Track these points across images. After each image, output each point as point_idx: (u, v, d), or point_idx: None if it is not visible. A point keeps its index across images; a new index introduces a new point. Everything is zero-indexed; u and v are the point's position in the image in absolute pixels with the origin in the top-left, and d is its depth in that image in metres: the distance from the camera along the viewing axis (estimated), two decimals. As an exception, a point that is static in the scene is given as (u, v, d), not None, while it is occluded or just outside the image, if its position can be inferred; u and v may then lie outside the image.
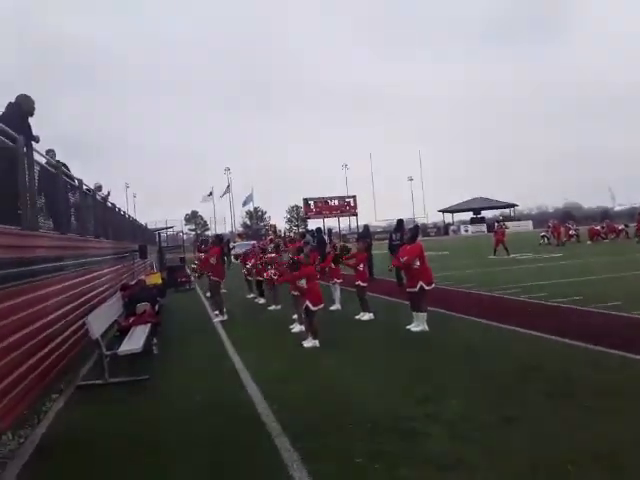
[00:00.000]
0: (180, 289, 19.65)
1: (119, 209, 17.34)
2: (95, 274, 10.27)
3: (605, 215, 47.70)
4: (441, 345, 7.48)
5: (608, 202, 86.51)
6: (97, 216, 12.27)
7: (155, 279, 13.78)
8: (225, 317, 11.36)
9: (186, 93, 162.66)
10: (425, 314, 8.56)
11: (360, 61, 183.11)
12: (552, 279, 14.05)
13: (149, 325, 8.23)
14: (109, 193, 14.96)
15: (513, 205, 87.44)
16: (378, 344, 7.87)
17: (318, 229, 18.28)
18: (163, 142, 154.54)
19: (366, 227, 19.52)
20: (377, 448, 4.08)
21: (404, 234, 17.12)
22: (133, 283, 10.92)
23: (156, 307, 9.60)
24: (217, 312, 11.64)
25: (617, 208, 68.98)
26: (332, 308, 11.17)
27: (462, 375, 5.87)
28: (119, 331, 8.26)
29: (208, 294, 13.20)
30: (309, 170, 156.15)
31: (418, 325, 8.51)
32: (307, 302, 8.07)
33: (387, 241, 16.58)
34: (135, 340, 6.97)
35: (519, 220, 79.42)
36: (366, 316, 10.11)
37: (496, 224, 31.36)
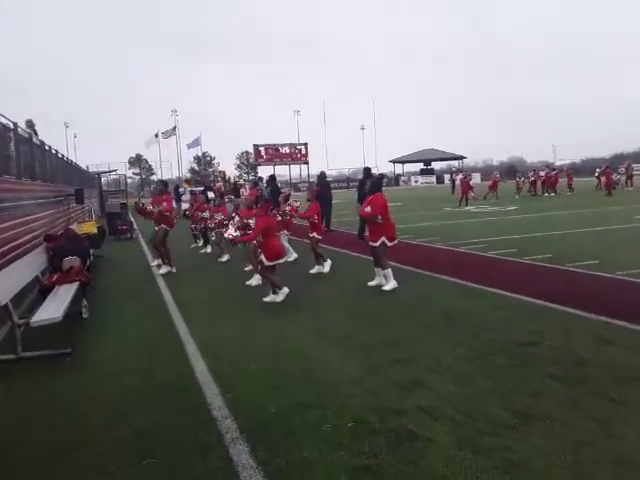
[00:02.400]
0: (121, 238, 18.07)
1: (50, 147, 15.48)
2: (15, 221, 8.79)
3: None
4: (416, 310, 6.57)
5: (550, 157, 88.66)
6: (19, 154, 10.61)
7: (89, 228, 12.28)
8: (172, 269, 10.22)
9: (133, 30, 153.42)
10: (389, 270, 7.74)
11: (317, 11, 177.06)
12: (517, 233, 13.44)
13: (77, 284, 6.95)
14: (34, 130, 13.16)
15: (462, 157, 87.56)
16: (343, 307, 6.89)
17: (272, 176, 16.99)
18: (108, 80, 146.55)
19: (322, 174, 18.05)
20: (365, 463, 3.12)
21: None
22: (60, 233, 9.46)
23: (87, 262, 8.27)
24: (160, 263, 10.47)
25: (558, 163, 70.21)
26: (290, 259, 10.16)
27: (450, 351, 4.97)
28: (39, 291, 6.95)
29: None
30: (260, 117, 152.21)
31: (387, 284, 7.67)
32: (261, 256, 7.12)
33: (355, 190, 15.70)
34: (55, 305, 5.71)
35: (464, 172, 79.51)
36: (327, 267, 9.24)
37: (460, 174, 31.17)
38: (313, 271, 9.43)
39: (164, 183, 12.12)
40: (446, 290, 7.58)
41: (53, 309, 5.53)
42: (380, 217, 7.63)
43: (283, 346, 5.41)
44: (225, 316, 6.76)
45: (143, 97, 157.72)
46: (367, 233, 8.40)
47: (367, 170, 16.25)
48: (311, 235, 9.37)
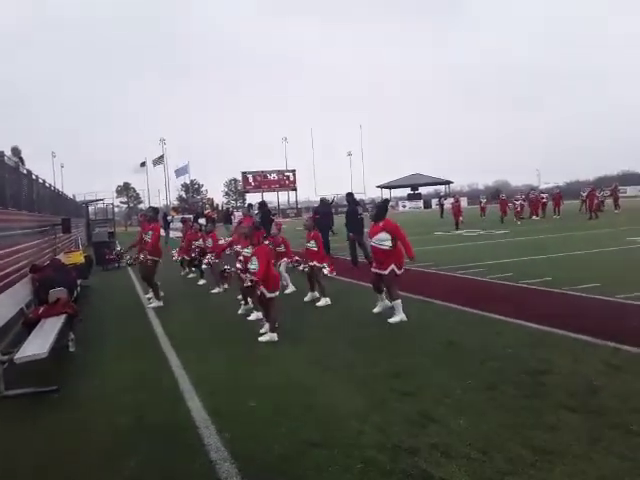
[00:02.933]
0: (108, 267, 17.71)
1: (36, 176, 15.21)
2: (2, 252, 8.50)
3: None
4: (418, 338, 6.36)
5: (534, 180, 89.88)
6: (5, 183, 10.36)
7: (76, 258, 11.97)
8: (161, 303, 9.81)
9: (120, 59, 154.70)
10: (399, 301, 7.37)
11: (303, 36, 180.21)
12: (511, 257, 13.33)
13: (63, 317, 6.67)
14: (20, 157, 12.87)
15: (448, 182, 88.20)
16: (343, 336, 6.66)
17: (262, 203, 16.81)
18: (95, 110, 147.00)
19: (323, 201, 17.56)
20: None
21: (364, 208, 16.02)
22: (46, 264, 9.17)
23: (74, 293, 7.99)
24: (151, 297, 10.08)
25: (542, 186, 70.99)
26: (287, 291, 9.85)
27: (458, 381, 4.75)
28: (24, 324, 6.65)
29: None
30: (248, 144, 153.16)
31: (394, 315, 7.33)
32: (262, 289, 6.76)
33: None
34: (41, 340, 5.42)
35: (453, 196, 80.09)
36: (322, 301, 8.90)
37: (449, 198, 31.24)
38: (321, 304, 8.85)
39: (154, 210, 11.28)
40: (446, 316, 7.38)
41: (38, 344, 5.25)
42: (391, 243, 7.34)
43: (283, 379, 5.15)
44: (219, 348, 6.49)
45: (131, 127, 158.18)
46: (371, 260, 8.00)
47: (350, 195, 16.04)
48: (311, 264, 8.88)
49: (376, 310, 7.79)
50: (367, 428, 3.90)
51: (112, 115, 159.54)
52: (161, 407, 4.67)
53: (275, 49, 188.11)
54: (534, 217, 30.16)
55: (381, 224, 7.52)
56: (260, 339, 6.68)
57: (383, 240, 7.39)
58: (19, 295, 7.06)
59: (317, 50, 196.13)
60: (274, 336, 6.66)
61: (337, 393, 4.69)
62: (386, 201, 8.59)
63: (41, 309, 6.83)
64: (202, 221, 15.79)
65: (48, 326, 6.16)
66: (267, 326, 6.87)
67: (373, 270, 7.67)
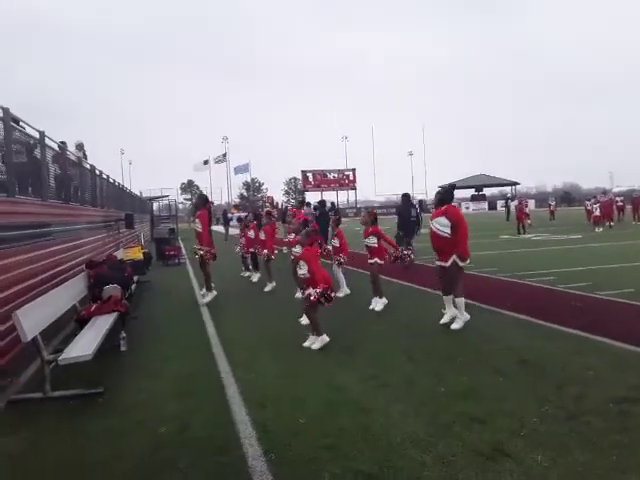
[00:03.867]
0: (168, 263, 17.87)
1: (100, 172, 15.49)
2: (63, 246, 8.54)
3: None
4: (484, 352, 5.78)
5: (607, 183, 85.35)
6: (67, 178, 10.49)
7: (134, 253, 12.01)
8: (214, 293, 9.61)
9: (187, 61, 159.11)
10: (462, 300, 6.86)
11: (361, 36, 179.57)
12: (586, 264, 12.38)
13: (115, 314, 6.53)
14: (84, 152, 13.09)
15: (515, 183, 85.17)
16: (400, 347, 6.16)
17: (321, 202, 16.45)
18: (163, 111, 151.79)
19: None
20: None
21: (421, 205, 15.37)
22: (102, 259, 9.16)
23: (128, 290, 7.89)
24: (203, 292, 9.91)
25: (615, 189, 67.36)
26: (340, 294, 9.42)
27: (534, 408, 4.20)
28: (76, 321, 6.56)
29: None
30: (309, 143, 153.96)
31: (456, 319, 6.88)
32: (309, 290, 6.34)
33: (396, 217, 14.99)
34: (89, 340, 5.26)
35: (517, 199, 77.04)
36: (379, 304, 8.44)
37: (515, 201, 29.82)
38: (378, 308, 8.36)
39: (200, 197, 10.33)
40: (515, 329, 6.75)
41: (85, 345, 5.08)
42: (450, 231, 6.79)
43: (335, 395, 4.74)
44: (271, 356, 6.14)
45: (196, 125, 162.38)
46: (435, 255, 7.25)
47: (405, 196, 15.44)
48: (371, 262, 8.36)
49: (444, 321, 7.07)
50: (430, 460, 3.44)
51: (178, 114, 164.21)
52: (206, 418, 4.37)
53: (338, 49, 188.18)
54: (608, 223, 28.21)
55: (443, 208, 6.98)
56: (313, 347, 6.30)
57: (442, 225, 6.86)
58: (73, 291, 6.99)
59: (380, 48, 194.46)
60: (325, 338, 6.33)
61: (395, 414, 4.23)
62: (452, 186, 7.87)
63: (93, 306, 6.72)
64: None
65: (99, 325, 6.02)
66: (312, 336, 6.47)
67: (437, 264, 7.10)
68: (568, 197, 74.93)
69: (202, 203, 9.64)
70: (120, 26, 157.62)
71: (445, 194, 7.23)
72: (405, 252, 8.49)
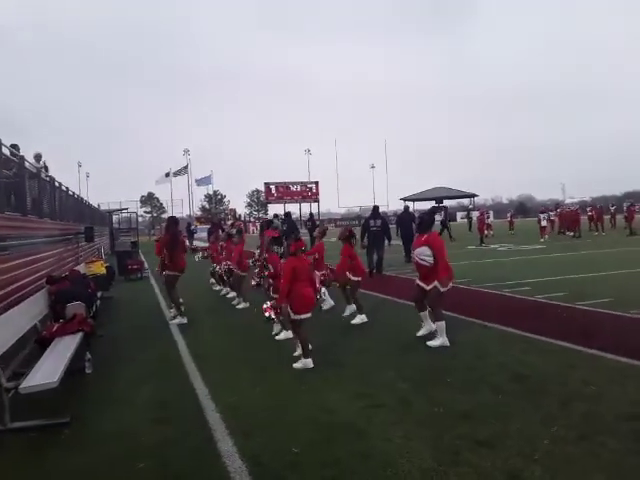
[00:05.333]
0: (131, 277, 17.15)
1: (60, 184, 14.77)
2: (21, 261, 7.92)
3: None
4: (477, 368, 5.53)
5: (559, 195, 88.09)
6: (25, 189, 9.85)
7: (97, 268, 11.39)
8: (184, 320, 9.04)
9: (144, 71, 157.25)
10: (443, 323, 6.63)
11: (329, 52, 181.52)
12: (559, 274, 12.40)
13: (79, 335, 6.02)
14: (44, 164, 12.43)
15: (473, 195, 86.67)
16: (390, 363, 5.86)
17: (287, 213, 16.15)
18: (120, 122, 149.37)
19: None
20: None
21: (387, 221, 15.56)
22: (64, 275, 8.56)
23: (93, 307, 7.36)
24: (173, 312, 9.39)
25: (568, 201, 69.42)
26: (324, 307, 8.98)
27: (542, 428, 3.95)
28: (37, 342, 6.01)
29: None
30: (271, 155, 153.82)
31: (435, 338, 6.62)
32: (287, 309, 5.95)
33: (360, 228, 15.06)
34: (52, 365, 4.76)
35: (477, 210, 78.55)
36: (357, 318, 8.17)
37: (477, 212, 30.14)
38: (346, 314, 8.44)
39: (172, 219, 10.17)
40: (503, 342, 6.54)
41: (49, 370, 4.58)
42: (433, 260, 6.65)
43: (327, 417, 4.39)
44: (251, 375, 5.74)
45: (156, 138, 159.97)
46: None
47: (376, 208, 15.53)
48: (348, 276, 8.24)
49: (420, 333, 7.03)
50: (442, 492, 3.13)
51: (137, 127, 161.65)
52: (188, 450, 3.94)
53: (295, 64, 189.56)
54: (568, 233, 28.67)
55: (425, 237, 6.83)
56: (294, 365, 5.93)
57: (426, 255, 6.69)
58: (32, 310, 6.43)
59: (338, 64, 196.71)
60: (308, 362, 5.91)
61: (396, 438, 3.92)
62: (433, 210, 7.88)
63: (55, 326, 6.18)
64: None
65: (62, 346, 5.51)
66: (299, 351, 6.12)
67: (417, 283, 6.99)
68: (523, 208, 76.77)
69: (172, 226, 9.53)
70: (77, 35, 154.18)
71: (425, 220, 7.15)
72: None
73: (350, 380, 5.37)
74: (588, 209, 29.80)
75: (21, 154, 9.59)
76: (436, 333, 6.67)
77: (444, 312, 6.79)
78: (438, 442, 3.81)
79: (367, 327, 7.83)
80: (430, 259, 6.64)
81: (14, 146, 8.28)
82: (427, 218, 7.26)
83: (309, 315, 6.06)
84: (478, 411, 4.35)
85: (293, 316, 5.99)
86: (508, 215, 35.90)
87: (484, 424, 4.08)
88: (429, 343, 6.57)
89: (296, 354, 6.16)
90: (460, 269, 13.93)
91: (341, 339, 7.17)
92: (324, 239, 9.21)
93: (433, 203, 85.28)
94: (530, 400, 4.56)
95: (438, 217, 29.53)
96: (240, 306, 10.25)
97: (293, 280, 5.91)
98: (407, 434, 3.98)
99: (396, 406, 4.57)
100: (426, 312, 7.00)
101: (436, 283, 6.64)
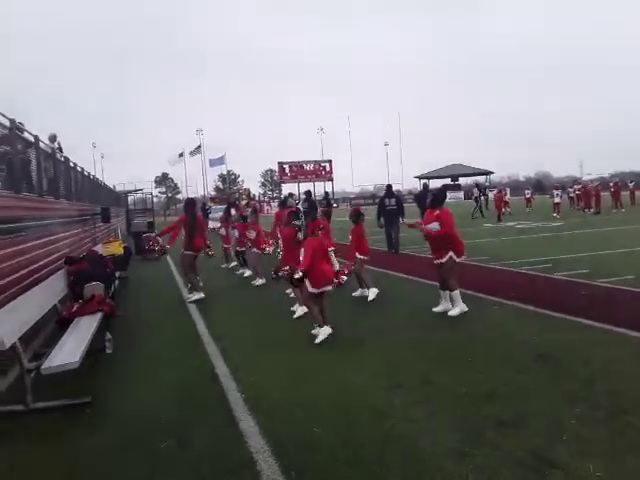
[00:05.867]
0: (148, 257, 17.23)
1: (75, 164, 14.79)
2: (34, 242, 7.95)
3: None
4: (499, 346, 5.45)
5: (577, 172, 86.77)
6: (41, 170, 9.85)
7: (114, 248, 11.43)
8: (202, 295, 9.16)
9: (160, 55, 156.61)
10: (457, 292, 6.82)
11: (340, 30, 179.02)
12: (578, 251, 12.19)
13: (99, 315, 6.04)
14: (59, 144, 12.43)
15: (489, 172, 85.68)
16: (409, 341, 5.81)
17: (308, 192, 16.05)
18: (135, 104, 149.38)
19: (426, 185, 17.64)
20: None
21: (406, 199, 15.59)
22: (82, 255, 8.59)
23: (112, 287, 7.38)
24: (190, 292, 9.47)
25: (585, 177, 68.31)
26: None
27: (567, 408, 3.87)
28: (57, 323, 6.05)
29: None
30: (285, 135, 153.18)
31: (453, 307, 6.81)
32: (306, 281, 6.05)
33: (376, 207, 15.40)
34: (73, 345, 4.77)
35: (494, 187, 77.54)
36: (372, 294, 8.25)
37: (495, 189, 29.69)
38: (356, 294, 8.52)
39: (188, 201, 10.71)
40: (526, 321, 6.44)
41: (69, 351, 4.59)
42: (450, 227, 6.86)
43: (347, 398, 4.35)
44: (271, 354, 5.74)
45: (170, 117, 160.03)
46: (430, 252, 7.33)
47: (389, 187, 15.54)
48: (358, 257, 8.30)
49: (437, 309, 7.07)
50: (468, 473, 3.08)
51: (152, 107, 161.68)
52: (209, 429, 3.94)
53: (306, 40, 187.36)
54: (587, 210, 28.18)
55: (436, 212, 6.94)
56: (316, 341, 5.97)
57: (435, 227, 6.82)
58: (52, 291, 6.46)
59: (355, 40, 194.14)
60: (326, 330, 6.04)
61: (417, 419, 3.87)
62: (445, 187, 7.99)
63: (75, 306, 6.22)
64: (233, 212, 15.12)
65: (82, 327, 5.53)
66: (317, 329, 6.15)
67: (435, 262, 7.07)
68: (540, 185, 75.61)
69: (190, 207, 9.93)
70: (91, 19, 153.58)
71: (437, 196, 7.31)
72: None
73: (370, 359, 5.33)
74: (611, 184, 29.13)
75: (35, 134, 9.58)
76: (453, 303, 6.85)
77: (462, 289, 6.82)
78: (461, 423, 3.75)
79: (385, 306, 7.77)
80: (438, 227, 6.76)
81: (21, 124, 8.26)
82: (439, 194, 7.42)
83: (329, 287, 6.17)
84: (501, 390, 4.29)
85: (311, 289, 6.10)
86: (527, 192, 35.17)
87: (508, 404, 4.02)
88: (450, 313, 6.78)
89: (314, 331, 6.16)
90: (478, 247, 13.82)
91: (359, 318, 7.14)
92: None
93: (448, 180, 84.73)
94: (553, 379, 4.48)
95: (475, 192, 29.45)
96: (258, 282, 10.28)
97: (312, 258, 6.00)
98: (429, 415, 3.93)
99: (417, 386, 4.53)
100: (447, 291, 7.01)
101: (451, 253, 6.80)
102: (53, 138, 12.57)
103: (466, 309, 6.79)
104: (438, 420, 3.83)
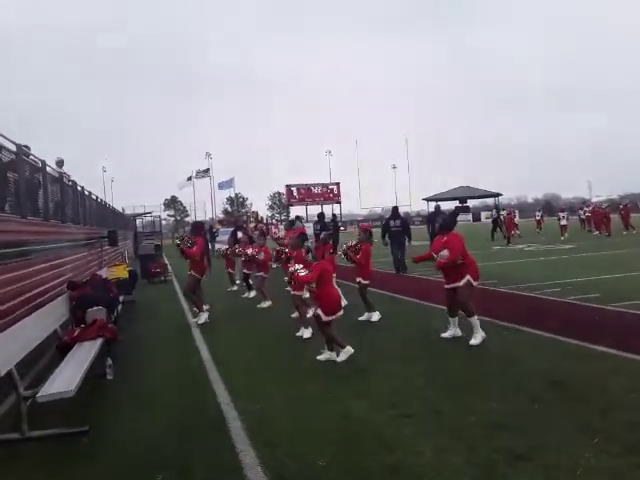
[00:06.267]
0: (154, 280, 17.19)
1: (82, 188, 14.84)
2: (43, 265, 7.90)
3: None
4: (510, 374, 5.27)
5: (585, 193, 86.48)
6: (47, 194, 9.86)
7: (119, 272, 11.36)
8: (206, 315, 9.13)
9: (168, 77, 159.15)
10: (476, 318, 6.53)
11: (346, 52, 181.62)
12: (586, 275, 11.95)
13: (100, 341, 5.93)
14: (62, 167, 12.47)
15: (498, 194, 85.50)
16: (417, 368, 5.65)
17: (321, 214, 15.95)
18: (145, 128, 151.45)
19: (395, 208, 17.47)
20: None
21: (406, 221, 15.50)
22: (85, 280, 8.52)
23: (115, 312, 7.28)
24: (196, 311, 9.41)
25: (594, 199, 67.98)
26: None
27: (584, 440, 3.69)
28: (58, 348, 5.94)
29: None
30: (292, 157, 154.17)
31: (474, 336, 6.47)
32: (318, 310, 5.95)
33: (380, 229, 15.54)
34: (71, 373, 4.65)
35: (503, 209, 77.20)
36: (375, 316, 8.25)
37: (502, 211, 29.36)
38: (362, 318, 8.35)
39: (197, 224, 10.93)
40: (537, 347, 6.26)
41: (67, 378, 4.47)
42: (456, 256, 6.55)
43: (354, 429, 4.19)
44: (274, 381, 5.59)
45: (179, 142, 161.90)
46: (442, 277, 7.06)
47: (395, 209, 15.46)
48: (357, 280, 8.28)
49: (445, 335, 6.86)
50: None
51: (161, 131, 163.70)
52: (209, 461, 3.79)
53: (318, 64, 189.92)
54: (595, 232, 27.81)
55: (444, 239, 6.70)
56: (338, 359, 6.04)
57: (444, 256, 6.55)
58: (53, 315, 6.36)
59: (360, 63, 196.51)
60: (349, 349, 6.05)
61: (426, 451, 3.70)
62: (457, 211, 7.82)
63: (76, 331, 6.11)
64: (240, 235, 15.09)
65: (82, 353, 5.41)
66: (325, 354, 6.07)
67: (446, 287, 6.78)
68: (549, 207, 75.33)
69: (196, 230, 9.85)
70: (97, 43, 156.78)
71: (447, 221, 7.11)
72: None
73: (377, 387, 5.17)
74: (621, 206, 28.85)
75: (42, 159, 9.61)
76: (473, 329, 6.53)
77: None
78: (472, 455, 3.58)
79: (392, 331, 7.62)
80: (447, 254, 6.51)
81: (27, 147, 8.32)
82: (449, 219, 7.24)
83: (340, 313, 6.16)
84: (514, 421, 4.11)
85: (325, 318, 5.99)
86: (538, 214, 34.90)
87: (521, 435, 3.85)
88: (471, 342, 6.44)
89: (320, 357, 6.05)
90: (487, 270, 13.58)
91: (365, 344, 6.95)
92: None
93: (457, 203, 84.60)
94: (568, 409, 4.30)
95: (486, 215, 29.64)
96: (264, 305, 10.20)
97: (320, 282, 5.99)
98: (439, 446, 3.76)
99: (426, 416, 4.36)
100: (456, 318, 6.81)
101: (468, 277, 6.52)
102: (60, 163, 12.65)
103: (485, 335, 6.50)
104: (448, 452, 3.65)
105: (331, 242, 8.63)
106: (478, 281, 6.70)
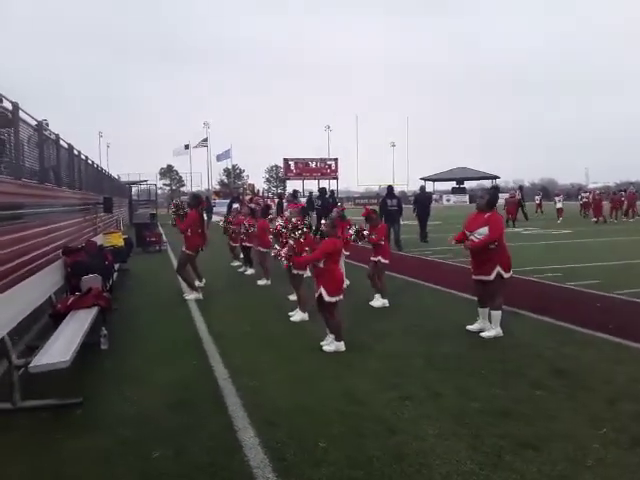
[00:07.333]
0: (149, 249, 17.01)
1: (79, 152, 14.54)
2: (38, 229, 7.70)
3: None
4: (513, 360, 5.20)
5: (582, 180, 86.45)
6: (43, 156, 9.61)
7: (115, 239, 11.16)
8: (199, 296, 8.77)
9: (168, 46, 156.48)
10: (500, 313, 6.01)
11: (348, 29, 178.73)
12: (589, 260, 11.90)
13: (95, 309, 5.79)
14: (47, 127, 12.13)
15: (495, 177, 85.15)
16: (420, 351, 5.55)
17: (322, 189, 15.64)
18: (143, 95, 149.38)
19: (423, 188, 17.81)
20: None
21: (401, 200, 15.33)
22: (81, 246, 8.32)
23: (110, 280, 7.12)
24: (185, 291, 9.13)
25: (591, 186, 67.88)
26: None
27: (589, 429, 3.62)
28: (51, 316, 5.80)
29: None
30: (292, 131, 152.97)
31: (490, 328, 6.06)
32: (321, 289, 5.68)
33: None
34: (65, 342, 4.52)
35: (502, 192, 76.94)
36: (379, 302, 7.85)
37: (506, 194, 29.12)
38: (377, 304, 7.80)
39: (196, 195, 9.99)
40: (542, 333, 6.15)
41: (61, 348, 4.34)
42: (496, 236, 5.95)
43: (354, 410, 4.10)
44: (272, 358, 5.48)
45: (176, 110, 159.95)
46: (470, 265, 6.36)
47: (390, 188, 15.28)
48: (375, 259, 7.77)
49: (471, 327, 6.27)
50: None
51: (159, 99, 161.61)
52: (206, 438, 3.68)
53: (319, 41, 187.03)
54: (594, 219, 27.66)
55: (486, 216, 6.01)
56: (325, 348, 5.67)
57: (483, 234, 5.95)
58: (47, 282, 6.21)
59: (363, 41, 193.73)
60: (341, 345, 5.66)
61: (429, 436, 3.61)
62: (497, 188, 7.24)
63: (70, 299, 5.96)
64: (236, 206, 14.81)
65: (76, 322, 5.28)
66: (330, 336, 5.81)
67: (475, 278, 6.21)
68: (546, 192, 75.17)
69: (195, 204, 9.09)
70: (99, 16, 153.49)
71: (492, 197, 6.30)
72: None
73: (377, 367, 5.08)
74: (623, 192, 28.90)
75: (40, 120, 9.33)
76: (492, 323, 6.07)
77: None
78: (477, 442, 3.50)
79: (392, 311, 7.51)
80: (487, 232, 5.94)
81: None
82: (494, 195, 6.55)
83: (341, 297, 5.78)
84: (518, 408, 4.03)
85: (328, 298, 5.66)
86: (537, 198, 34.79)
87: (526, 423, 3.77)
88: (483, 334, 6.02)
89: (326, 345, 5.77)
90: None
91: (365, 322, 6.86)
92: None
93: (453, 184, 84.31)
94: (573, 397, 4.23)
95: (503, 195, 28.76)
96: (262, 283, 9.99)
97: (328, 259, 5.67)
98: (442, 432, 3.67)
99: (426, 398, 4.27)
100: (487, 309, 6.18)
101: (498, 269, 5.94)
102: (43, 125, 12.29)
103: (501, 334, 5.97)
104: (451, 438, 3.57)
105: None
106: (509, 273, 6.07)
